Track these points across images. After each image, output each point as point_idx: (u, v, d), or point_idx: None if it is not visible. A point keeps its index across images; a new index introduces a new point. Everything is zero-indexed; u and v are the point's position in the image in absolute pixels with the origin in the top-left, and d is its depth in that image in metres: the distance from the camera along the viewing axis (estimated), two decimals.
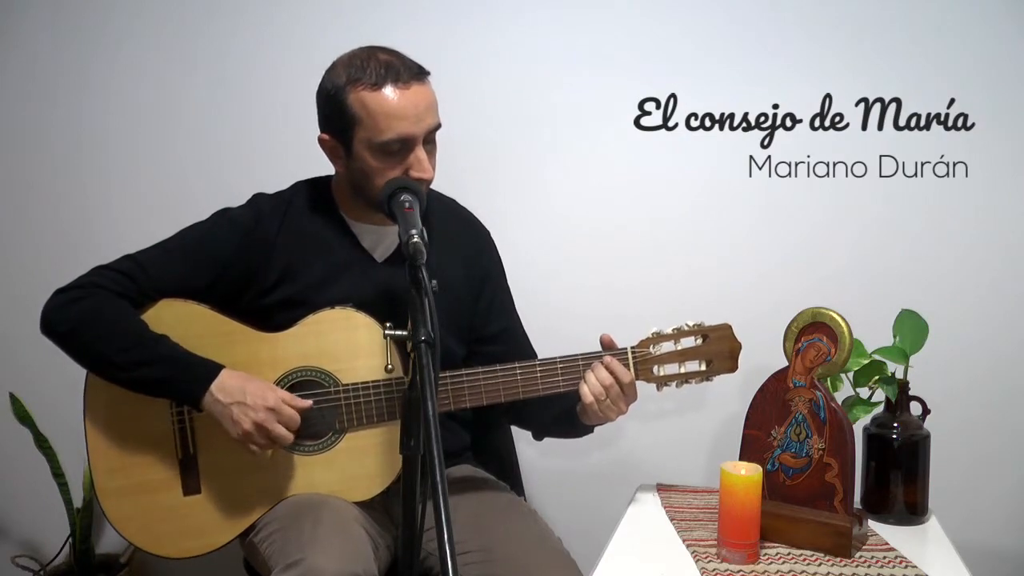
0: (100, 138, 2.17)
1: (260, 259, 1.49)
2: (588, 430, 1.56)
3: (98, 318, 1.41)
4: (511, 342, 1.63)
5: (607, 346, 1.49)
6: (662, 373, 1.50)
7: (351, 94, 1.39)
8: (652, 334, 1.50)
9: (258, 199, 1.56)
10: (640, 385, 1.49)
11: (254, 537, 1.43)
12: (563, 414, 1.54)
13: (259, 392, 1.38)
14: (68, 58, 2.16)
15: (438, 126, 1.44)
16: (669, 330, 1.50)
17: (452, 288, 1.55)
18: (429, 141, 1.43)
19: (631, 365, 1.48)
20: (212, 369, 1.40)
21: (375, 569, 1.32)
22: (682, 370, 1.50)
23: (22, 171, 2.20)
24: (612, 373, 1.44)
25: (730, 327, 1.52)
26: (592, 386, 1.44)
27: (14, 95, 2.18)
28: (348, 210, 1.54)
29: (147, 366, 1.39)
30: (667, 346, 1.50)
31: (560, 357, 1.47)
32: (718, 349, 1.51)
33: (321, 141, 1.48)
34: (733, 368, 1.52)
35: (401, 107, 1.38)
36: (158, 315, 1.45)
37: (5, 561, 2.14)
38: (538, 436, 1.67)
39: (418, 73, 1.42)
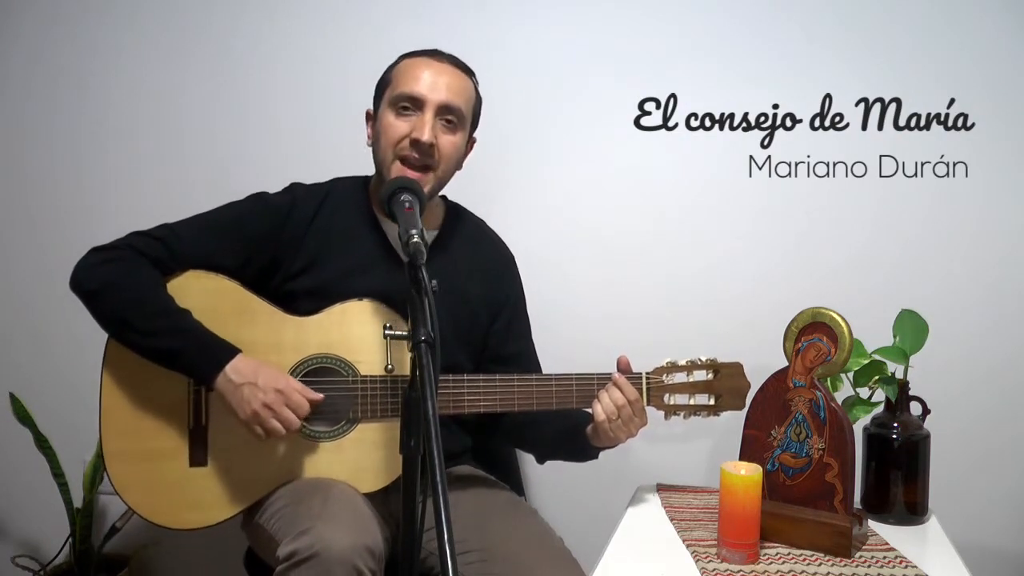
0: (101, 138, 2.17)
1: (290, 245, 1.52)
2: (593, 454, 1.56)
3: (127, 281, 1.42)
4: (524, 366, 1.65)
5: (623, 369, 1.51)
6: (672, 402, 1.53)
7: (395, 65, 1.55)
8: (666, 363, 1.53)
9: (295, 188, 1.59)
10: (648, 411, 1.51)
11: (259, 518, 1.43)
12: (570, 431, 1.54)
13: (271, 375, 1.39)
14: (68, 56, 2.16)
15: (457, 110, 1.50)
16: (683, 361, 1.53)
17: (471, 305, 1.59)
18: (448, 122, 1.50)
19: (645, 391, 1.50)
20: (230, 351, 1.41)
21: (383, 547, 1.32)
22: (691, 402, 1.54)
23: (22, 171, 2.20)
24: (621, 391, 1.45)
25: (741, 366, 1.55)
26: (605, 405, 1.45)
27: (15, 94, 2.18)
28: (380, 208, 1.56)
29: (167, 336, 1.40)
30: (679, 376, 1.53)
31: (575, 375, 1.49)
32: (728, 386, 1.54)
33: (367, 115, 1.59)
34: (741, 406, 1.54)
35: (422, 71, 1.50)
36: (187, 284, 1.46)
37: (5, 561, 2.14)
38: (541, 459, 1.68)
39: (459, 63, 1.55)
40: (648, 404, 1.51)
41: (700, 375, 1.54)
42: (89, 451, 2.04)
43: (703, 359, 1.54)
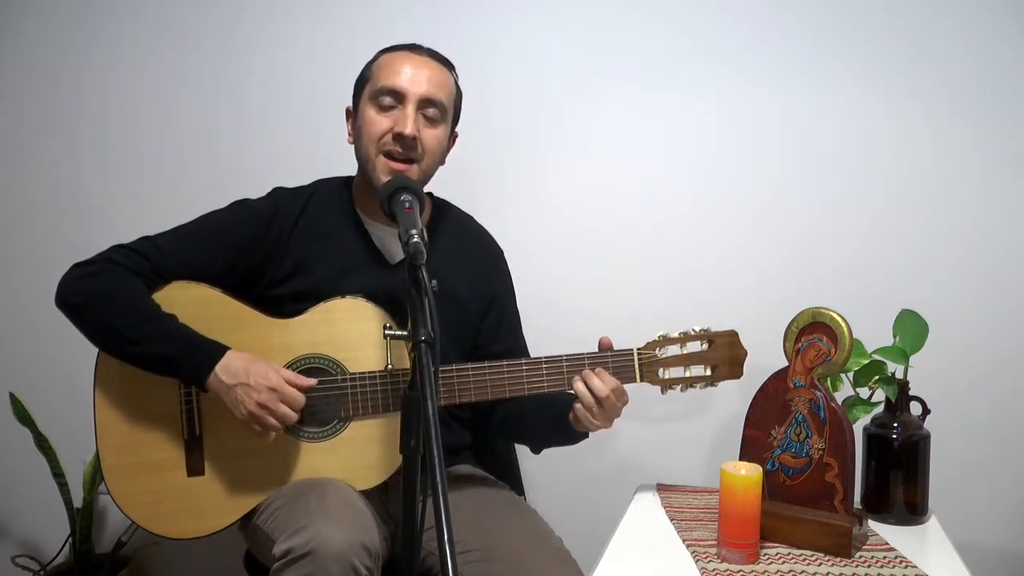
0: (100, 138, 2.17)
1: (274, 251, 1.52)
2: (583, 435, 1.56)
3: (111, 292, 1.42)
4: None
5: (606, 348, 1.49)
6: (667, 376, 1.51)
7: (375, 60, 1.55)
8: (658, 337, 1.51)
9: (278, 192, 1.59)
10: (644, 387, 1.50)
11: (256, 519, 1.43)
12: (557, 419, 1.53)
13: (262, 373, 1.39)
14: (68, 56, 2.16)
15: (439, 103, 1.49)
16: (675, 334, 1.51)
17: (459, 302, 1.58)
18: (429, 116, 1.50)
19: (636, 366, 1.49)
20: (218, 350, 1.41)
21: (379, 544, 1.32)
22: (687, 374, 1.52)
23: (22, 171, 2.20)
24: (608, 388, 1.44)
25: (736, 333, 1.53)
26: (582, 396, 1.44)
27: (15, 94, 2.18)
28: (365, 209, 1.56)
29: (154, 342, 1.40)
30: (673, 349, 1.51)
31: (565, 356, 1.48)
32: (723, 355, 1.52)
33: (347, 112, 1.58)
34: (738, 374, 1.53)
35: (403, 65, 1.50)
36: (170, 296, 1.46)
37: (5, 561, 2.14)
38: (536, 449, 1.68)
39: (439, 56, 1.54)
40: (642, 380, 1.49)
41: (694, 346, 1.52)
42: (89, 451, 2.04)
43: (696, 329, 1.52)
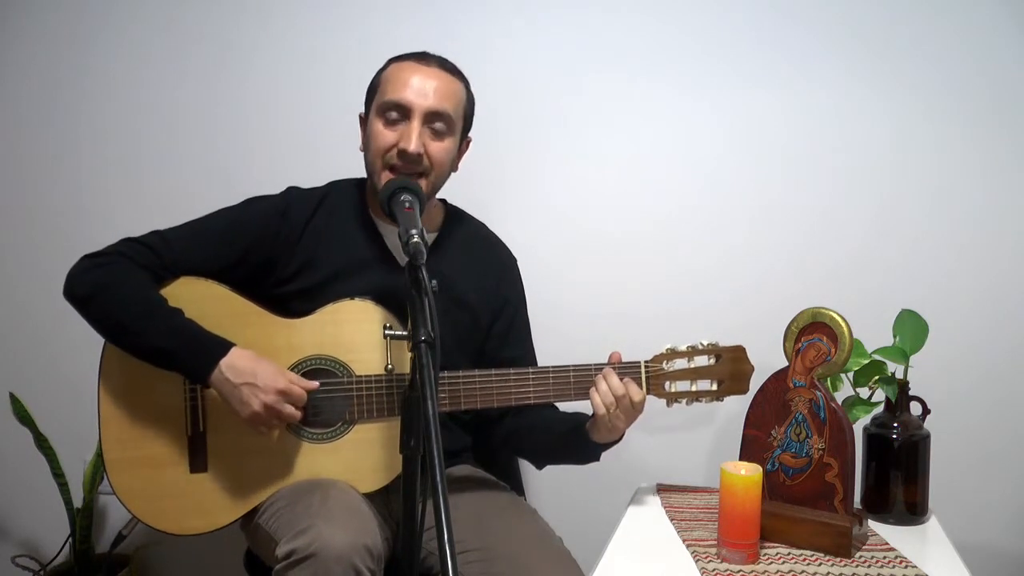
0: (100, 138, 2.17)
1: (283, 249, 1.52)
2: (595, 455, 1.53)
3: (118, 284, 1.42)
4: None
5: (615, 364, 1.49)
6: (673, 390, 1.51)
7: (384, 69, 1.54)
8: (666, 350, 1.51)
9: (291, 192, 1.59)
10: (650, 400, 1.50)
11: (258, 518, 1.43)
12: (569, 433, 1.53)
13: (270, 375, 1.38)
14: (68, 56, 2.16)
15: (446, 115, 1.48)
16: (683, 347, 1.51)
17: (469, 307, 1.58)
18: (435, 130, 1.48)
19: (643, 379, 1.49)
20: (223, 346, 1.40)
21: (382, 547, 1.32)
22: (694, 388, 1.52)
23: (22, 171, 2.20)
24: (627, 391, 1.43)
25: (743, 349, 1.53)
26: (603, 395, 1.43)
27: (14, 95, 2.18)
28: (377, 212, 1.56)
29: (158, 336, 1.40)
30: (680, 363, 1.51)
31: (572, 366, 1.48)
32: (731, 370, 1.52)
33: (360, 119, 1.57)
34: (744, 390, 1.53)
35: (410, 76, 1.48)
36: (177, 292, 1.46)
37: (5, 561, 2.14)
38: (540, 465, 1.67)
39: (449, 67, 1.52)
40: (648, 393, 1.49)
41: (701, 360, 1.52)
42: (89, 451, 2.04)
43: (704, 343, 1.52)
